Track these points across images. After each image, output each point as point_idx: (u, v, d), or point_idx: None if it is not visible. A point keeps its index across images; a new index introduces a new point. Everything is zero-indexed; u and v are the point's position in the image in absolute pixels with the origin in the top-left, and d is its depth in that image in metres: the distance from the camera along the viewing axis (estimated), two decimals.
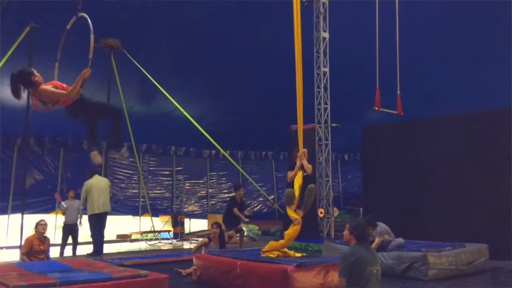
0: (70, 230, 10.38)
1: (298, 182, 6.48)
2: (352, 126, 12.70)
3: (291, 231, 6.42)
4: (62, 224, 10.74)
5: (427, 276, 7.00)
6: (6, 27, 9.66)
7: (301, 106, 6.50)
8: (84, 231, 12.25)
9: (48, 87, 4.85)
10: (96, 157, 5.83)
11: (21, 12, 9.71)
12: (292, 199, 6.40)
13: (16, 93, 4.78)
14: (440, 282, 6.86)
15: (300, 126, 6.66)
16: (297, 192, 6.45)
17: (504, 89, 10.67)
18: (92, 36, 5.11)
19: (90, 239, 10.17)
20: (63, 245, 10.37)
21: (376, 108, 9.97)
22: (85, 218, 10.33)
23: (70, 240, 10.39)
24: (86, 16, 5.25)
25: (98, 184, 9.78)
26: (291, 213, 6.44)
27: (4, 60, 9.63)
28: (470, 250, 7.77)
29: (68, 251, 10.35)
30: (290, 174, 6.63)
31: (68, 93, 4.86)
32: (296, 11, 6.52)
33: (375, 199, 11.13)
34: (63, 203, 10.72)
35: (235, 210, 10.04)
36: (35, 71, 4.86)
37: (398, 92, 10.19)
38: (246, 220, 10.37)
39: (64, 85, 4.99)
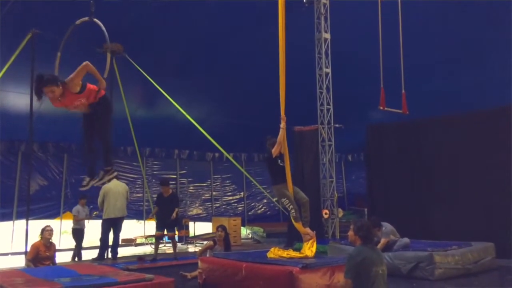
0: (79, 234, 10.42)
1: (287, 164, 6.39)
2: (355, 127, 12.67)
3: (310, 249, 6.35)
4: (71, 230, 10.78)
5: (433, 275, 6.97)
6: (7, 34, 9.68)
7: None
8: (90, 236, 12.29)
9: (69, 78, 4.75)
10: None
11: (22, 19, 9.72)
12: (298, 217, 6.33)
13: (39, 94, 4.71)
14: (447, 282, 6.84)
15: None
16: (290, 188, 6.40)
17: (505, 87, 10.67)
18: (109, 55, 5.08)
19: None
20: (79, 248, 10.41)
21: (381, 108, 9.95)
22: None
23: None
24: (101, 25, 5.18)
25: (115, 188, 9.82)
26: (301, 228, 6.39)
27: (6, 67, 9.65)
28: (476, 249, 7.74)
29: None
30: (275, 149, 6.36)
31: (86, 64, 4.75)
32: (281, 10, 6.51)
33: (379, 199, 11.10)
34: (75, 208, 10.76)
35: (154, 208, 9.73)
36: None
37: (403, 91, 10.17)
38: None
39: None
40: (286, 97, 6.44)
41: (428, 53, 12.30)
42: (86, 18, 5.38)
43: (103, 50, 10.31)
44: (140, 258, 9.46)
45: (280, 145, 6.29)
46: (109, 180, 5.65)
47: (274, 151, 6.34)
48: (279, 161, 6.40)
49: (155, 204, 9.92)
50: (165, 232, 9.70)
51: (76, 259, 10.27)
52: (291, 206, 6.29)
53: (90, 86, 4.91)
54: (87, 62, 4.73)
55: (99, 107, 5.00)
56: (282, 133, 6.32)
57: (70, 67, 4.94)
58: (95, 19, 5.31)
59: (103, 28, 5.18)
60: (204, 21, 11.36)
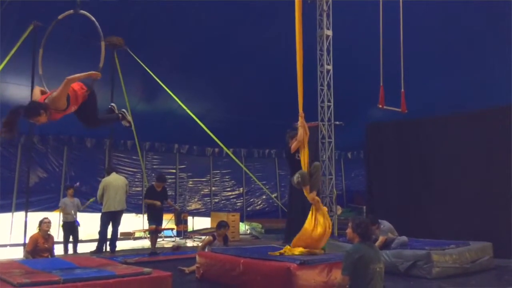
0: (69, 227, 10.43)
1: (305, 157, 6.48)
2: (355, 124, 12.67)
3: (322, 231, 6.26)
4: (62, 223, 10.80)
5: (431, 274, 6.99)
6: (9, 26, 9.67)
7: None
8: (88, 229, 12.31)
9: (50, 96, 4.61)
10: None
11: (24, 10, 9.70)
12: (307, 179, 6.35)
13: (13, 131, 4.34)
14: (444, 281, 6.85)
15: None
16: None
17: (505, 87, 10.67)
18: (102, 43, 4.93)
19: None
20: (66, 242, 10.43)
21: (380, 106, 9.94)
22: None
23: (70, 238, 10.43)
24: (90, 16, 5.05)
25: (115, 182, 9.84)
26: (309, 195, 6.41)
27: (7, 58, 9.65)
28: (474, 248, 7.76)
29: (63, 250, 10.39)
30: (294, 145, 6.54)
31: (67, 81, 4.56)
32: (298, 9, 6.49)
33: (378, 197, 11.12)
34: (62, 200, 10.77)
35: (146, 200, 9.77)
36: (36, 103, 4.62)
37: (402, 90, 10.16)
38: (158, 204, 9.46)
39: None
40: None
41: (428, 52, 12.29)
42: (71, 11, 5.22)
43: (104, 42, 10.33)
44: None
45: (299, 143, 6.49)
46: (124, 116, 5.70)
47: (294, 147, 6.54)
48: (297, 155, 6.60)
49: (147, 197, 9.84)
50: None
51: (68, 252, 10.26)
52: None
53: (74, 94, 4.74)
54: (67, 78, 4.50)
55: (88, 104, 4.97)
56: (301, 132, 6.50)
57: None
58: (83, 11, 5.15)
59: (93, 19, 5.06)
60: (206, 17, 11.34)
